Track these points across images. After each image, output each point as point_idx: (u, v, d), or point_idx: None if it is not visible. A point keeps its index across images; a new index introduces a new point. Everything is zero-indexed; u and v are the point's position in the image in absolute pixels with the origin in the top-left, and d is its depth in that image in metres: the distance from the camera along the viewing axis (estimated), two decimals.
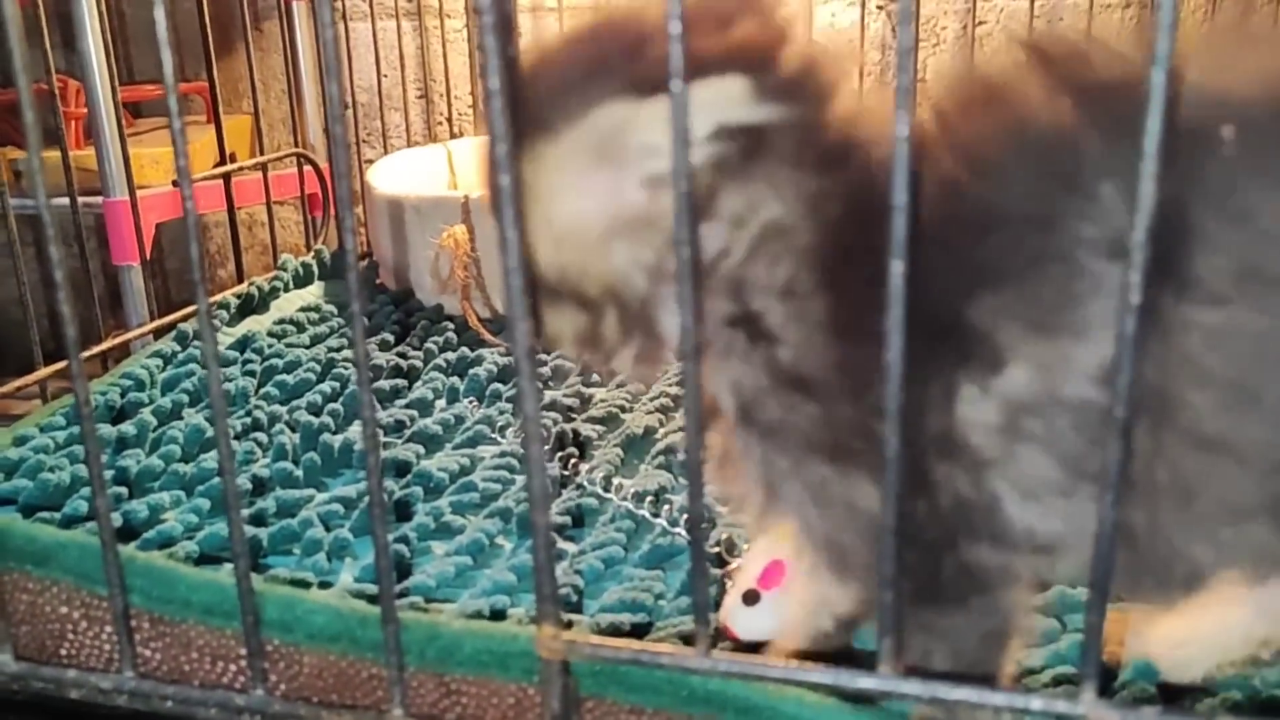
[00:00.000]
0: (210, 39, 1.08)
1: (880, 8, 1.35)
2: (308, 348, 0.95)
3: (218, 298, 1.02)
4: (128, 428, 0.77)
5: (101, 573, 0.50)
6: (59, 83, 1.24)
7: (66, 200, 0.92)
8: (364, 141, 1.50)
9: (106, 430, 0.76)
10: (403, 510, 0.68)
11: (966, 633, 0.41)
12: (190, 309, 0.99)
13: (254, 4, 1.45)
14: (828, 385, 0.38)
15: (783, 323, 0.38)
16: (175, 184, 1.03)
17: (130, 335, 0.95)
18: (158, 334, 0.97)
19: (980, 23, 1.32)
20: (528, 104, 0.36)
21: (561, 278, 0.39)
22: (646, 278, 0.39)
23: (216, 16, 1.15)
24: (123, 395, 0.83)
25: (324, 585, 0.60)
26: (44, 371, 0.82)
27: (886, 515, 0.32)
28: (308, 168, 1.27)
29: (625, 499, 0.67)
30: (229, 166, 1.11)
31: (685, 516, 0.64)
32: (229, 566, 0.61)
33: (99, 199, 1.03)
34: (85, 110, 1.08)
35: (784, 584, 0.53)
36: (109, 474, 0.70)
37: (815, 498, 0.40)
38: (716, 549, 0.61)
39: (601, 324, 0.40)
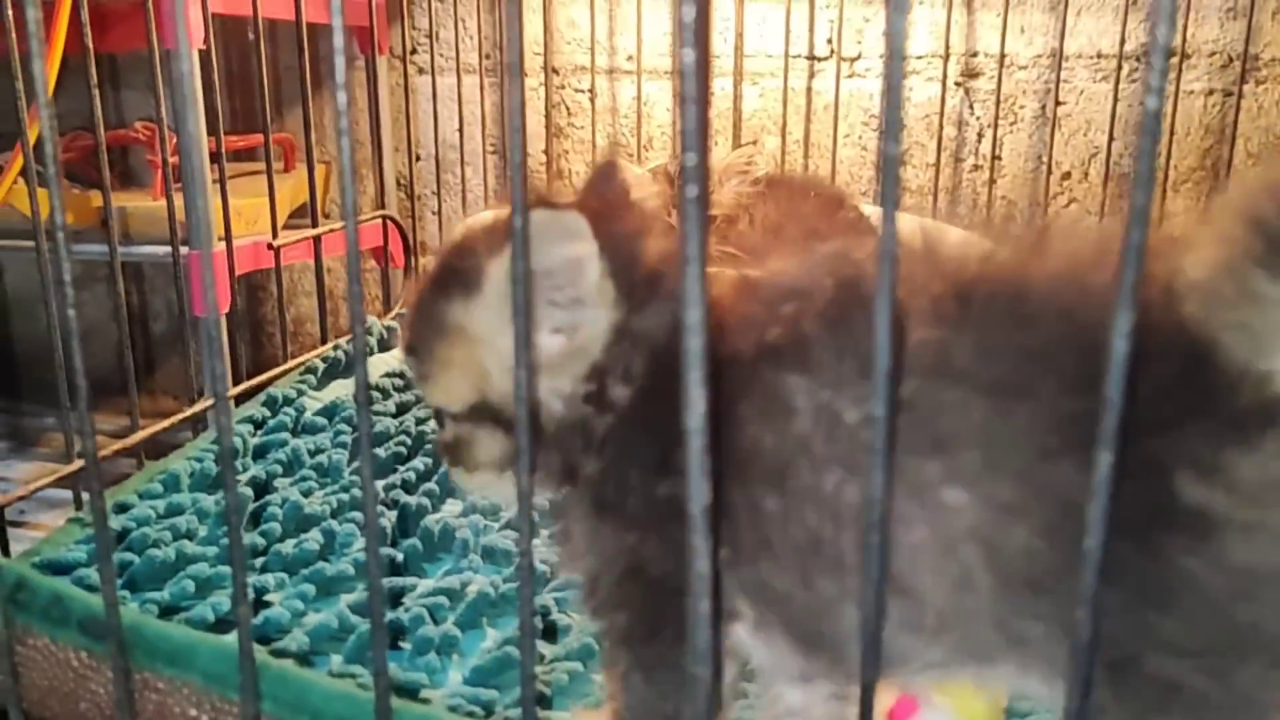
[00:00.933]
0: (309, 90, 1.09)
1: (958, 84, 1.35)
2: (394, 416, 0.95)
3: (304, 358, 1.02)
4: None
5: (233, 676, 0.50)
6: (148, 129, 1.26)
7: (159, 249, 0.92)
8: (438, 194, 1.51)
9: (205, 502, 0.76)
10: (508, 604, 0.67)
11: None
12: (276, 370, 1.00)
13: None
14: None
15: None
16: (271, 246, 1.04)
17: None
18: (239, 398, 0.97)
19: (1060, 103, 1.32)
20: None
21: (490, 404, 0.46)
22: (564, 404, 0.45)
23: (296, 67, 1.17)
24: (217, 463, 0.83)
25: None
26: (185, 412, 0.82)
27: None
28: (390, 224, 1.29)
29: None
30: (320, 229, 1.12)
31: None
32: (340, 662, 0.61)
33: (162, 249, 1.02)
34: (176, 158, 1.09)
35: (919, 717, 0.52)
36: (212, 550, 0.70)
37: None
38: None
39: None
